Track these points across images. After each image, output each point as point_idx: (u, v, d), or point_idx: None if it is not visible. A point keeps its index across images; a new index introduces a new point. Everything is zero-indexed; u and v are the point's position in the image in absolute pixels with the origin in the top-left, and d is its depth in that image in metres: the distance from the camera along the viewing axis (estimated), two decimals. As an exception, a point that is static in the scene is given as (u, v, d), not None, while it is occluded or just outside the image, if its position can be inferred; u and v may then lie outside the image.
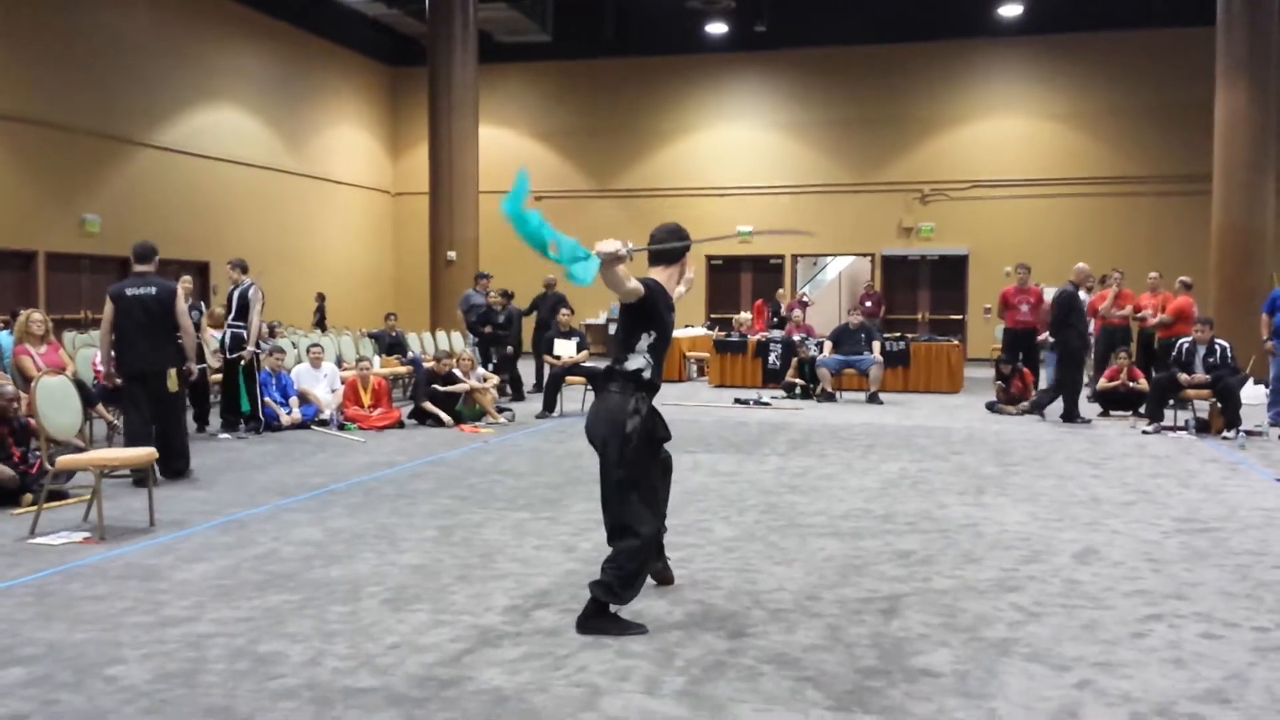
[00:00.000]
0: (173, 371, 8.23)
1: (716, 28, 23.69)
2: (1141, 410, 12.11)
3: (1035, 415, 12.36)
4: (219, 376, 11.29)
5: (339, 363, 13.38)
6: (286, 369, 11.79)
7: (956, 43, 22.97)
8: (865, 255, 24.24)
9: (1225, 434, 10.75)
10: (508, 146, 25.08)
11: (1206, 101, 17.69)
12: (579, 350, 13.24)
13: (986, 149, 23.05)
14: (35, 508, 6.58)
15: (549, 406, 12.61)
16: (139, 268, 8.38)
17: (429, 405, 11.71)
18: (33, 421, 7.14)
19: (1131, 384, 12.44)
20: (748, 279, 24.68)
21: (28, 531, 6.35)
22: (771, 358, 16.39)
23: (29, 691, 3.87)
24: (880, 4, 22.77)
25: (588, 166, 25.28)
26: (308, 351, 12.40)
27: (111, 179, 18.19)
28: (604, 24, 24.53)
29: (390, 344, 15.27)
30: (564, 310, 14.18)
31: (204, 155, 20.15)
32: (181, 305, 8.36)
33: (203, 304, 11.89)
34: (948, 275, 23.57)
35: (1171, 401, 11.61)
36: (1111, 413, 12.57)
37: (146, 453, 6.99)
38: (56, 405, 7.11)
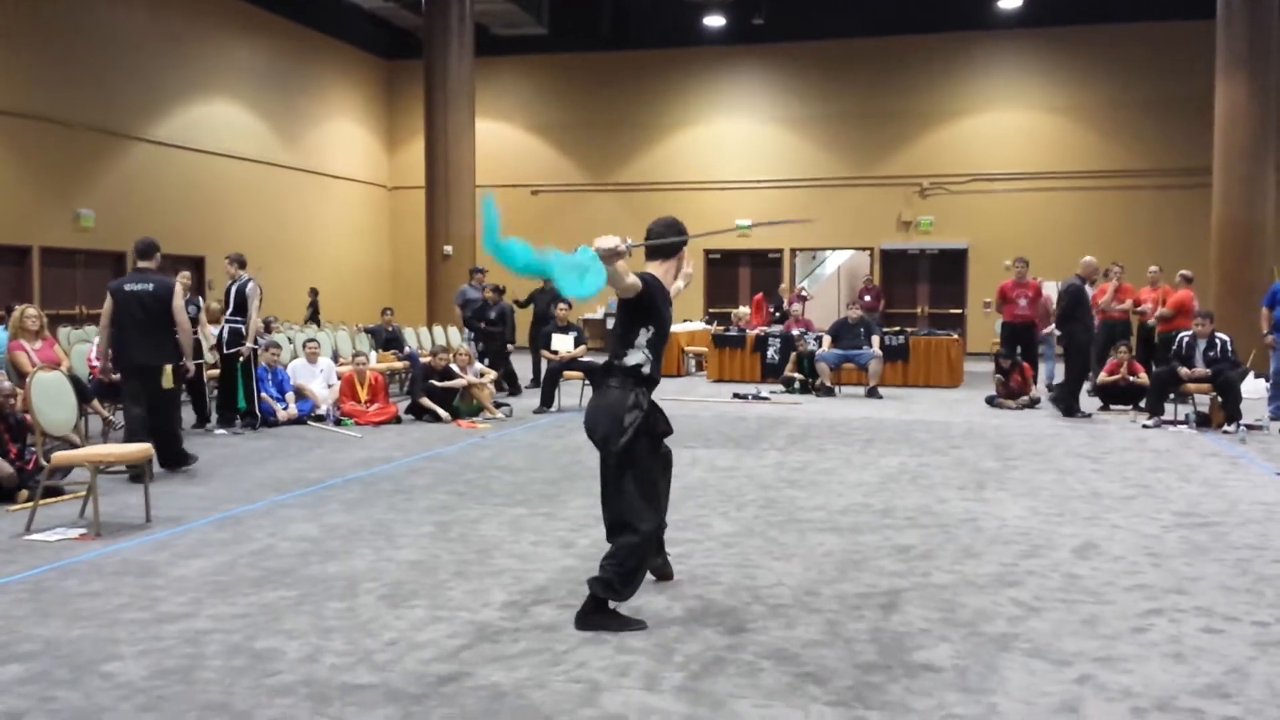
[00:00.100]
0: (168, 368, 8.24)
1: (714, 21, 23.62)
2: (1142, 404, 12.10)
3: (1059, 410, 12.12)
4: (215, 372, 11.26)
5: (335, 358, 13.35)
6: (283, 364, 11.76)
7: (956, 36, 22.92)
8: (864, 249, 24.21)
9: (1225, 428, 10.74)
10: (504, 140, 25.07)
11: (1206, 95, 17.68)
12: (577, 345, 13.21)
13: (986, 142, 23.02)
14: (31, 504, 6.56)
15: (546, 401, 12.59)
16: (141, 264, 8.42)
17: (426, 401, 11.68)
18: (29, 417, 7.11)
19: (1132, 378, 12.43)
20: (746, 273, 24.66)
21: (23, 528, 6.33)
22: (770, 352, 16.37)
23: (26, 688, 3.85)
24: (878, -3, 22.76)
25: (585, 160, 25.23)
26: (304, 347, 12.36)
27: (107, 173, 18.14)
28: (601, 17, 24.48)
29: (387, 339, 15.24)
30: (562, 305, 14.15)
31: (199, 150, 20.10)
32: (179, 303, 8.37)
33: (200, 299, 11.85)
34: (947, 269, 23.55)
35: (1172, 395, 11.60)
36: (1112, 407, 12.55)
37: (142, 448, 6.97)
38: (51, 401, 7.09)
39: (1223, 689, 3.85)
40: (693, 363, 18.45)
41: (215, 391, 11.20)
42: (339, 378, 11.93)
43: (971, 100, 23.12)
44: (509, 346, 14.84)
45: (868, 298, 19.80)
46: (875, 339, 14.86)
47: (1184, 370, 11.25)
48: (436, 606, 4.81)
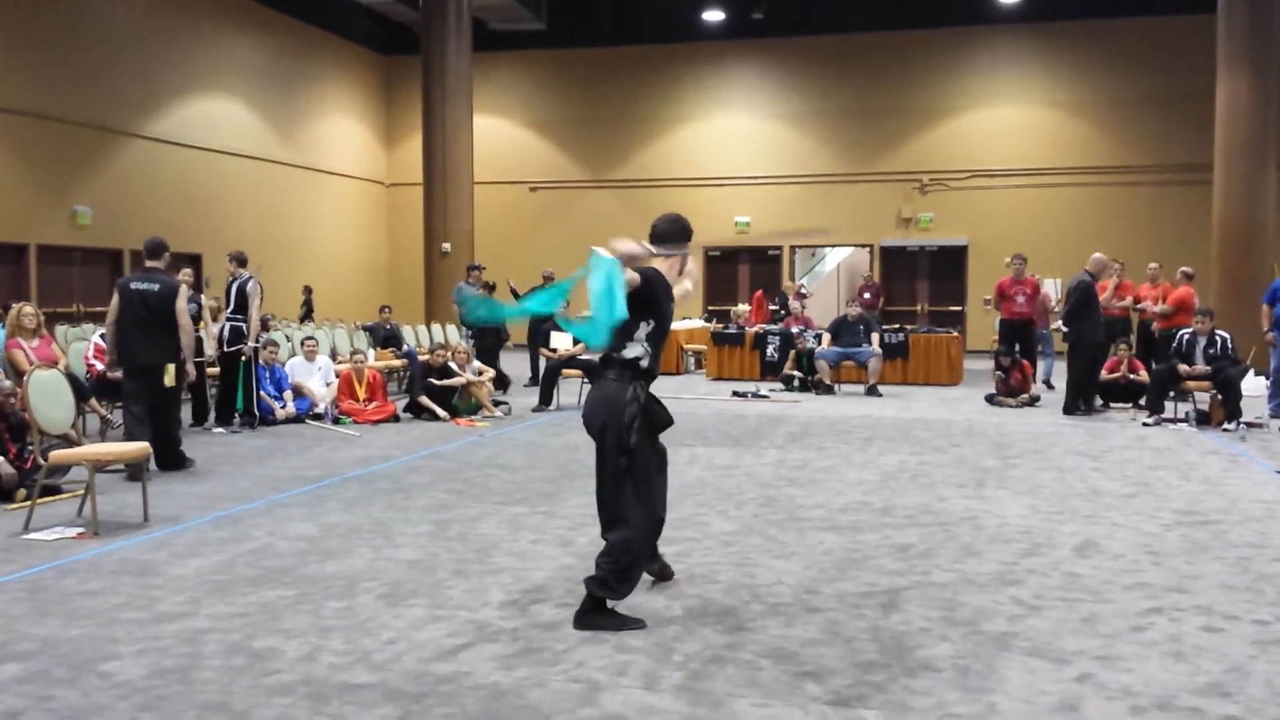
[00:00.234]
0: (170, 367, 8.27)
1: (713, 16, 23.59)
2: (1142, 402, 12.09)
3: (1083, 408, 12.05)
4: (215, 370, 11.25)
5: (334, 356, 13.33)
6: (281, 362, 11.74)
7: (956, 31, 22.90)
8: (864, 246, 24.19)
9: (1226, 426, 10.73)
10: (503, 136, 25.04)
11: (1207, 90, 17.66)
12: (575, 343, 13.18)
13: (986, 138, 23.00)
14: (29, 503, 6.54)
15: (545, 399, 12.58)
16: (149, 263, 8.50)
17: (424, 399, 11.67)
18: (28, 416, 7.10)
19: (1132, 376, 12.42)
20: (745, 270, 24.64)
21: (21, 527, 6.32)
22: (769, 350, 16.36)
23: (24, 688, 3.84)
24: (878, -8, 22.75)
25: (583, 156, 25.20)
26: (302, 345, 12.35)
27: (103, 171, 18.11)
28: (599, 12, 24.45)
29: (385, 337, 15.22)
30: (560, 303, 14.12)
31: (197, 146, 20.06)
32: (182, 304, 8.42)
33: (201, 297, 11.85)
34: (947, 266, 23.53)
35: (1172, 393, 11.59)
36: (1112, 405, 12.54)
37: (140, 447, 6.95)
38: (49, 399, 7.08)
39: (1223, 688, 3.84)
40: (692, 360, 18.44)
41: (215, 390, 11.18)
42: (337, 376, 11.91)
43: (971, 96, 23.10)
44: (503, 343, 14.72)
45: (867, 295, 19.80)
46: (875, 336, 14.84)
47: (1183, 367, 11.23)
48: (435, 605, 4.80)
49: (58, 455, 6.67)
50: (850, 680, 3.90)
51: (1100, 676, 3.94)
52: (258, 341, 10.84)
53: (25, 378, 7.09)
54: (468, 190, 20.29)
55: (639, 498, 4.53)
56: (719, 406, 12.93)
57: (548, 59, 25.07)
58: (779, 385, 14.92)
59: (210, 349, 11.19)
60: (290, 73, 22.94)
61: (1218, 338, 11.23)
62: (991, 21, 22.66)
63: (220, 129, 20.73)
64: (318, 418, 11.34)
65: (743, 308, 19.15)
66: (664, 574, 5.14)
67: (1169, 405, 11.60)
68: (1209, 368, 11.11)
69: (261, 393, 11.00)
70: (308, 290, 21.28)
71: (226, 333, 10.72)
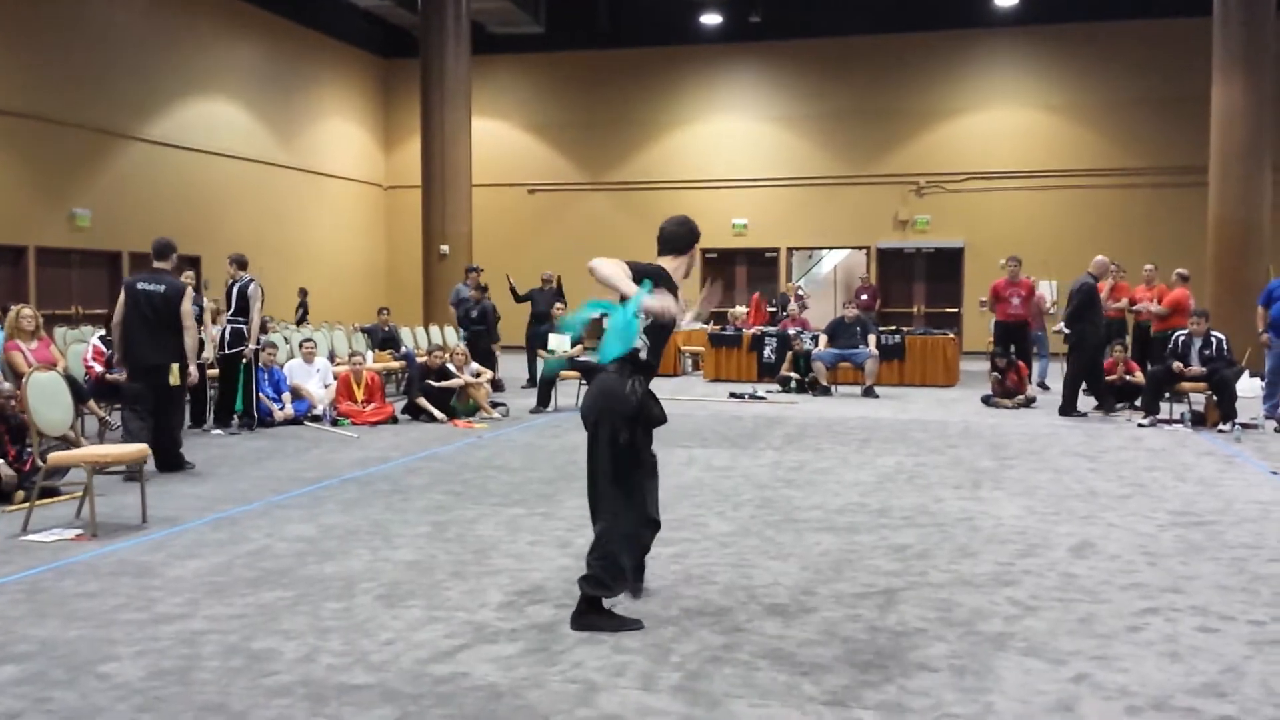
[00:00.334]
0: (175, 366, 8.34)
1: (711, 19, 23.62)
2: (1138, 403, 12.11)
3: (1103, 408, 12.07)
4: (214, 372, 11.25)
5: (332, 358, 13.34)
6: (279, 364, 11.74)
7: (952, 34, 22.93)
8: (861, 248, 24.22)
9: (1221, 427, 10.75)
10: (501, 139, 25.05)
11: (1203, 93, 17.69)
12: (573, 344, 13.20)
13: (982, 141, 23.03)
14: (27, 505, 6.55)
15: (543, 401, 12.59)
16: (156, 264, 8.58)
17: (423, 401, 11.68)
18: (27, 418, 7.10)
19: (1128, 377, 12.44)
20: (743, 272, 24.66)
21: (20, 529, 6.32)
22: (766, 351, 16.38)
23: (22, 689, 3.85)
24: (875, -5, 22.79)
25: (581, 159, 25.22)
26: (300, 347, 12.35)
27: (102, 173, 18.11)
28: (597, 15, 24.48)
29: (383, 339, 15.22)
30: (558, 305, 14.14)
31: (195, 149, 20.07)
32: (188, 306, 8.48)
33: (202, 299, 11.87)
34: (943, 268, 23.56)
35: (1167, 394, 11.61)
36: (1095, 406, 12.55)
37: (139, 449, 6.96)
38: (48, 401, 7.08)
39: (1218, 688, 3.86)
40: (689, 362, 18.45)
41: (213, 392, 11.18)
42: (335, 378, 11.92)
43: (968, 98, 23.13)
44: (492, 344, 14.61)
45: (864, 297, 19.80)
46: (871, 338, 14.87)
47: (1178, 365, 11.23)
48: (433, 606, 4.81)
49: (56, 457, 6.68)
50: (847, 680, 3.92)
51: (1096, 677, 3.96)
52: (258, 344, 10.86)
53: (24, 380, 7.09)
54: (466, 193, 20.31)
55: (628, 493, 4.54)
56: (716, 408, 12.94)
57: (546, 62, 25.09)
58: (776, 387, 14.94)
59: (209, 351, 11.20)
60: (289, 75, 22.95)
61: (1213, 339, 11.26)
62: (988, 25, 22.70)
63: (219, 131, 20.73)
64: (316, 419, 11.34)
65: (740, 309, 19.17)
66: (634, 590, 4.92)
67: (1164, 406, 11.62)
68: (1204, 369, 11.13)
69: (260, 394, 11.00)
70: (303, 292, 21.27)
71: (227, 335, 10.73)
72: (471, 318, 14.84)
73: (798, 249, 24.93)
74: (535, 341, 14.61)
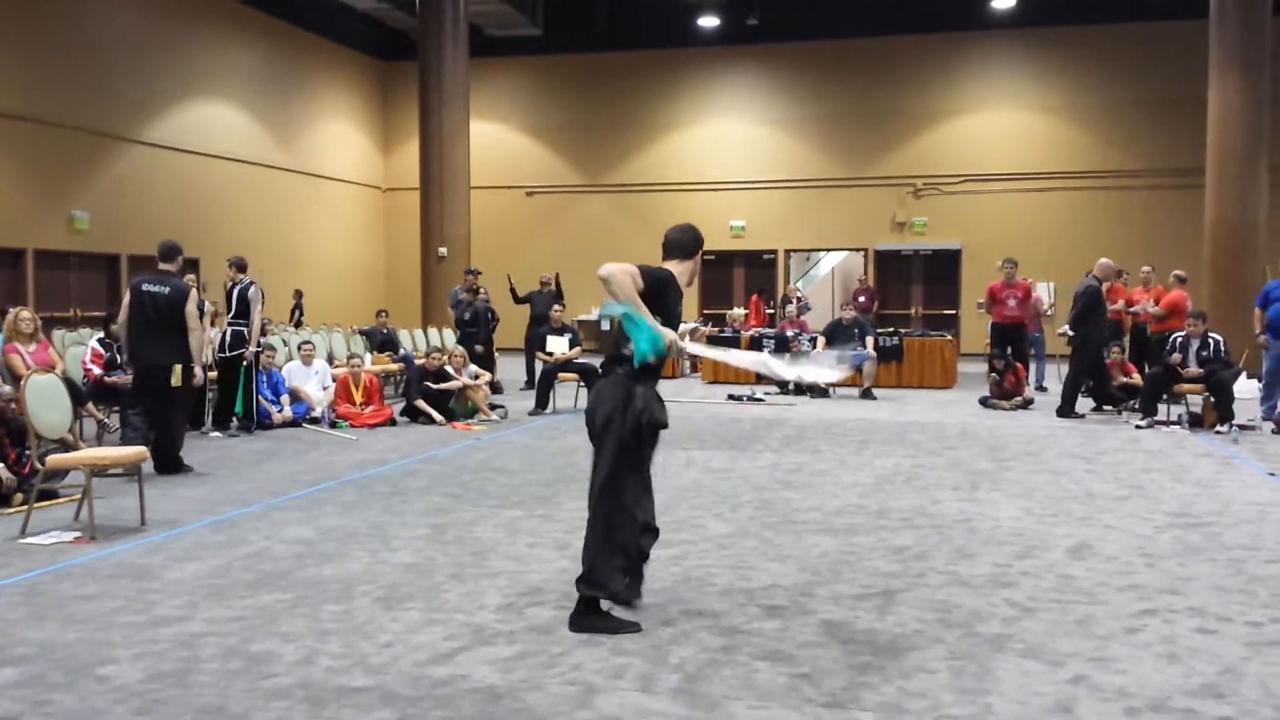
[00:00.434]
0: (177, 368, 8.40)
1: (708, 21, 23.64)
2: (1134, 404, 12.11)
3: (1117, 410, 12.03)
4: (214, 374, 11.24)
5: (330, 360, 13.33)
6: (277, 366, 11.74)
7: (950, 36, 22.96)
8: (858, 250, 24.24)
9: (1218, 428, 10.77)
10: (499, 141, 25.05)
11: (1200, 95, 17.72)
12: (571, 347, 13.21)
13: (979, 143, 23.06)
14: (25, 507, 6.54)
15: (542, 403, 12.59)
16: (161, 266, 8.67)
17: (421, 403, 11.68)
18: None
19: (1125, 379, 12.45)
20: (740, 274, 24.67)
21: (18, 531, 6.32)
22: (765, 353, 16.36)
23: (20, 692, 3.85)
24: (872, -2, 22.81)
25: (579, 161, 25.23)
26: (299, 349, 12.36)
27: (101, 175, 18.11)
28: (595, 17, 24.49)
29: (382, 341, 15.22)
30: (556, 307, 14.13)
31: (194, 151, 20.07)
32: (192, 308, 8.54)
33: (202, 301, 11.86)
34: (941, 270, 23.57)
35: (1164, 396, 11.62)
36: (1104, 407, 12.57)
37: (137, 452, 6.95)
38: (46, 404, 7.07)
39: (1216, 689, 3.86)
40: (687, 364, 18.45)
41: (212, 394, 11.17)
42: (334, 380, 11.92)
43: (965, 100, 23.16)
44: (478, 347, 14.51)
45: (862, 299, 19.82)
46: (869, 340, 14.89)
47: (1176, 356, 11.23)
48: (432, 609, 4.81)
49: (55, 459, 6.68)
50: (846, 682, 3.92)
51: (1094, 678, 3.96)
52: (258, 346, 10.87)
53: (22, 382, 7.09)
54: (464, 195, 20.30)
55: (629, 494, 4.52)
56: (715, 410, 12.95)
57: (544, 64, 25.10)
58: (774, 389, 14.95)
59: (207, 353, 11.20)
60: (287, 78, 22.95)
61: (1210, 340, 11.27)
62: (985, 27, 22.72)
63: (218, 134, 20.73)
64: (314, 422, 11.34)
65: (738, 311, 19.17)
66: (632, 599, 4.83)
67: (1162, 408, 11.64)
68: (1202, 370, 11.14)
69: (258, 397, 11.00)
70: (298, 294, 21.25)
71: (228, 337, 10.73)
72: (465, 320, 14.84)
73: (795, 251, 24.95)
74: (534, 344, 14.60)
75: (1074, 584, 5.23)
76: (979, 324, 22.07)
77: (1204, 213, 17.31)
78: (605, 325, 24.03)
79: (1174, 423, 11.27)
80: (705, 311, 23.32)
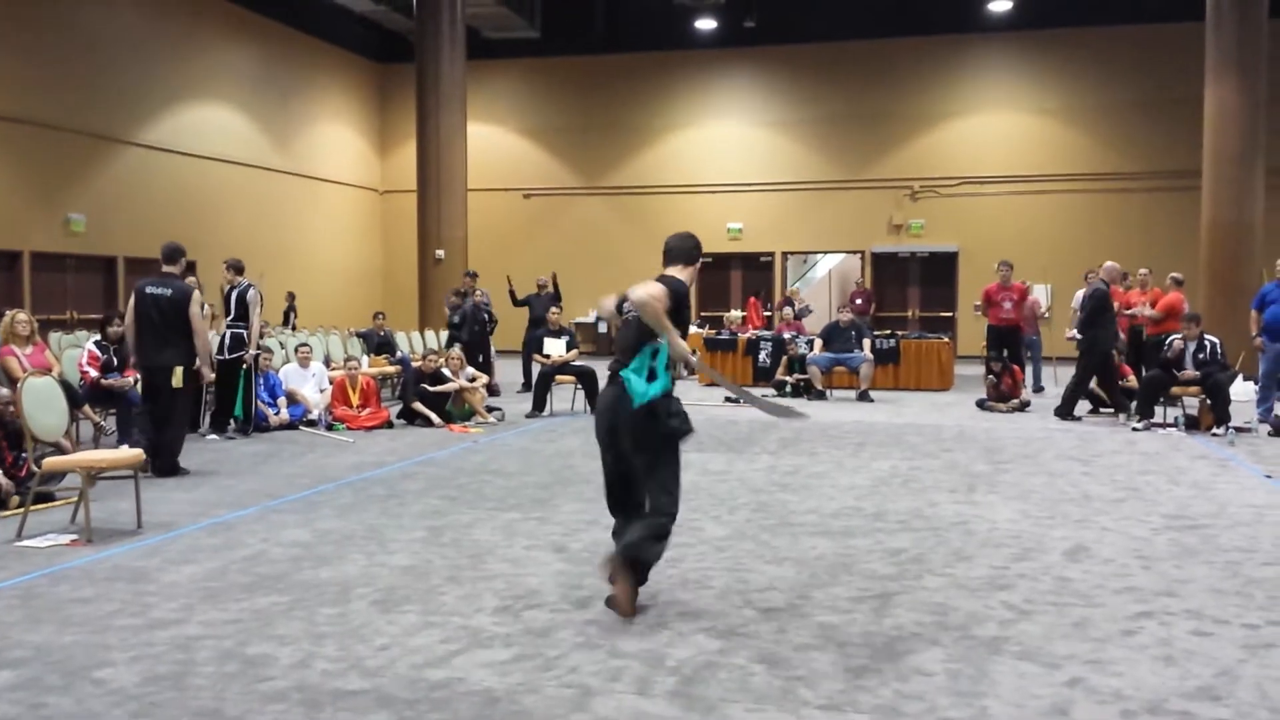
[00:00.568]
0: (179, 369, 8.47)
1: (706, 24, 23.66)
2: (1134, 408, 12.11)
3: (1124, 415, 12.00)
4: (211, 377, 11.21)
5: (327, 362, 13.33)
6: (274, 369, 11.74)
7: (946, 38, 22.99)
8: (855, 252, 24.26)
9: (1215, 430, 10.78)
10: (496, 144, 25.06)
11: (1196, 96, 17.74)
12: (569, 349, 13.21)
13: (976, 145, 23.08)
14: (22, 510, 6.54)
15: (539, 406, 12.59)
16: (165, 268, 8.77)
17: (418, 406, 11.67)
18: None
19: (1121, 381, 12.45)
20: (737, 276, 24.68)
21: (14, 534, 6.31)
22: (762, 356, 16.39)
23: (17, 695, 3.84)
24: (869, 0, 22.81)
25: (577, 163, 25.24)
26: (296, 351, 12.35)
27: (97, 178, 18.09)
28: (593, 20, 24.51)
29: (379, 343, 15.21)
30: (554, 309, 14.13)
31: (190, 153, 20.06)
32: (195, 310, 8.64)
33: (202, 303, 11.84)
34: (938, 272, 23.59)
35: (1161, 398, 11.63)
36: (1101, 410, 12.58)
37: (134, 454, 6.95)
38: (42, 406, 7.06)
39: (1213, 691, 3.87)
40: (684, 366, 18.42)
41: (209, 397, 11.16)
42: (331, 382, 11.91)
43: (962, 103, 23.19)
44: (457, 347, 14.45)
45: (859, 301, 19.82)
46: (866, 342, 14.90)
47: (1177, 344, 11.23)
48: (429, 612, 4.81)
49: (51, 462, 6.67)
50: (842, 685, 3.93)
51: (1091, 680, 3.97)
52: (257, 349, 10.88)
53: (19, 385, 7.08)
54: (462, 197, 20.30)
55: (671, 487, 4.72)
56: (712, 412, 12.94)
57: (541, 67, 25.11)
58: (771, 391, 14.95)
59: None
60: (285, 80, 22.95)
61: (1207, 342, 11.27)
62: (982, 29, 22.76)
63: (215, 136, 20.72)
64: (311, 424, 11.33)
65: (736, 314, 19.17)
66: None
67: (1158, 410, 11.65)
68: (1198, 373, 11.15)
69: (256, 399, 10.99)
70: (290, 296, 21.22)
71: (227, 340, 10.72)
72: (453, 323, 14.85)
73: (792, 253, 24.98)
74: (532, 346, 14.59)
75: (1070, 586, 5.23)
76: (976, 326, 22.07)
77: (1200, 215, 17.33)
78: (603, 328, 24.07)
79: (1171, 425, 11.28)
80: (703, 314, 23.33)
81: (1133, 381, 12.40)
